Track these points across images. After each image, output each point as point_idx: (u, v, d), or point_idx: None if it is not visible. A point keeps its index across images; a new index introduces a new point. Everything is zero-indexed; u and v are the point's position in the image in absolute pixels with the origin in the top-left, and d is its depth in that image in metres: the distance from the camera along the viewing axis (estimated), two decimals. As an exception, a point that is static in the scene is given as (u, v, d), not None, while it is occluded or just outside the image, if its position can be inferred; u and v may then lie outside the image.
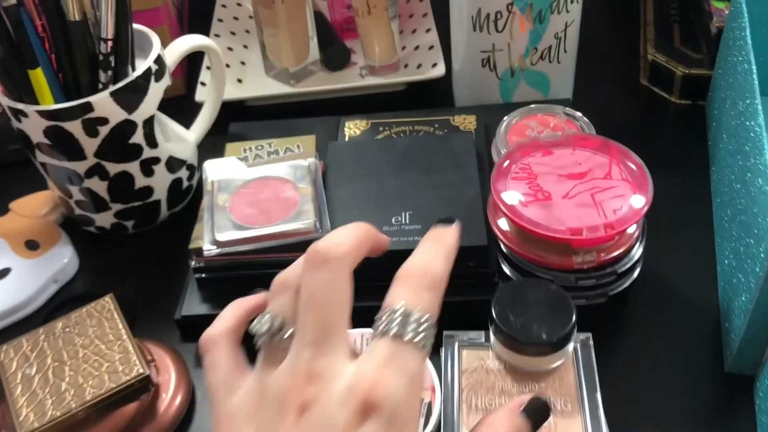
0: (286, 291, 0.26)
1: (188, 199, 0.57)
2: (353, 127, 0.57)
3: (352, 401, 0.22)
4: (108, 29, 0.47)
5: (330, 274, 0.24)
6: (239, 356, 0.27)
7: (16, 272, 0.51)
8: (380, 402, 0.21)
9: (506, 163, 0.45)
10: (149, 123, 0.50)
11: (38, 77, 0.47)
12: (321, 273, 0.24)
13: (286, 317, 0.25)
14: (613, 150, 0.44)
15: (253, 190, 0.47)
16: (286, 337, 0.25)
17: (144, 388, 0.40)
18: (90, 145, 0.48)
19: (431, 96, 0.65)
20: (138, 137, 0.50)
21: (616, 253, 0.41)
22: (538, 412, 0.26)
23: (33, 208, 0.55)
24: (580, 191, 0.42)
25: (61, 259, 0.53)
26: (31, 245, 0.53)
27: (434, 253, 0.25)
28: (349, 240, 0.25)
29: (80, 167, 0.49)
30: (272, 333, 0.25)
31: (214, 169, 0.50)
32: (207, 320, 0.46)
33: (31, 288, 0.51)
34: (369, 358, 0.23)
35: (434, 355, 0.30)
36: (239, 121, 0.60)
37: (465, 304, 0.40)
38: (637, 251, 0.43)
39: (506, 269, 0.44)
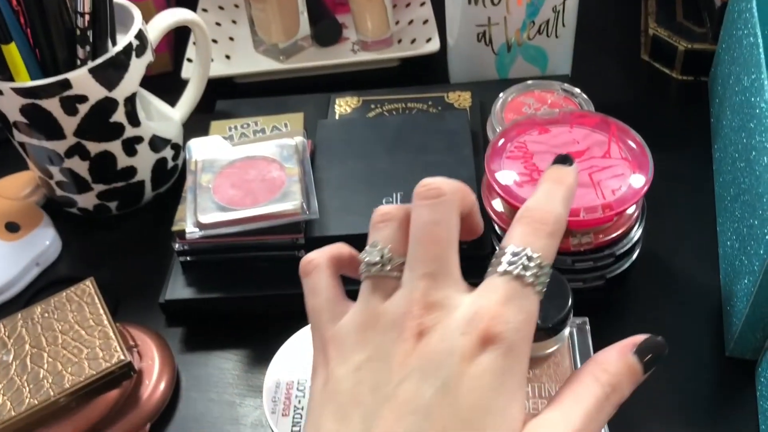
0: (390, 223, 0.26)
1: (174, 179, 0.55)
2: (344, 105, 0.55)
3: (472, 330, 0.22)
4: (84, 2, 0.45)
5: (444, 208, 0.25)
6: (340, 285, 0.27)
7: (-4, 255, 0.50)
8: (501, 334, 0.22)
9: (501, 141, 0.43)
10: (131, 101, 0.49)
11: (12, 53, 0.45)
12: (435, 207, 0.25)
13: (393, 249, 0.25)
14: (613, 128, 0.43)
15: (237, 171, 0.45)
16: (394, 268, 0.25)
17: (125, 374, 0.39)
18: (69, 123, 0.47)
19: (425, 72, 0.63)
20: (119, 115, 0.48)
21: (614, 235, 0.40)
22: (653, 352, 0.25)
23: (13, 189, 0.54)
24: (578, 170, 0.41)
25: (43, 242, 0.51)
26: (12, 227, 0.51)
27: (556, 195, 0.25)
28: (457, 183, 0.25)
29: (60, 147, 0.48)
30: (383, 262, 0.25)
31: (198, 148, 0.48)
32: (192, 304, 0.46)
33: (11, 271, 0.49)
34: (489, 294, 0.23)
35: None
36: (227, 99, 0.58)
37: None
38: (636, 233, 0.42)
39: (500, 251, 0.43)
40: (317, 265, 0.27)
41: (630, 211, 0.41)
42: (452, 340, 0.22)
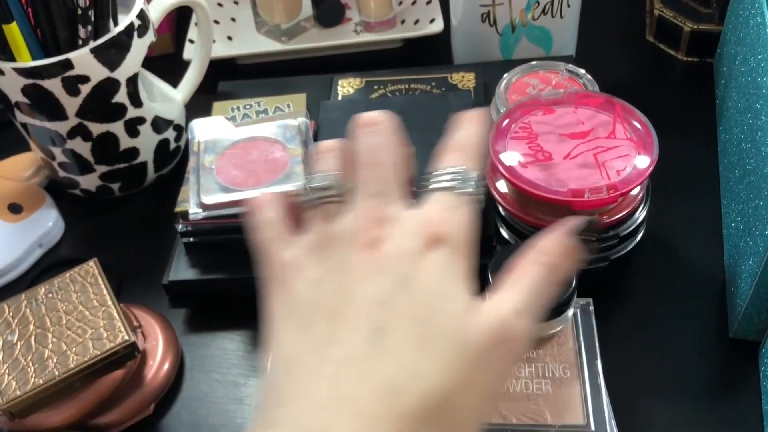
0: (330, 153, 0.28)
1: (176, 160, 0.55)
2: (347, 86, 0.55)
3: (423, 233, 0.25)
4: (85, -19, 0.44)
5: (384, 134, 0.27)
6: (287, 221, 0.28)
7: (-1, 236, 0.50)
8: (448, 234, 0.25)
9: (505, 122, 0.43)
10: (133, 81, 0.48)
11: (14, 32, 0.45)
12: (375, 134, 0.27)
13: (336, 175, 0.27)
14: (618, 108, 0.42)
15: (240, 151, 0.45)
16: (339, 193, 0.27)
17: (129, 354, 0.39)
18: (71, 104, 0.46)
19: (429, 53, 0.63)
20: (121, 96, 0.48)
21: (618, 216, 0.40)
22: (586, 230, 0.27)
23: (16, 170, 0.54)
24: (582, 151, 0.41)
25: (46, 223, 0.51)
26: (15, 209, 0.51)
27: (476, 130, 0.29)
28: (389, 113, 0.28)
29: (62, 128, 0.48)
30: (328, 187, 0.27)
31: (201, 129, 0.48)
32: (195, 285, 0.46)
33: (14, 253, 0.49)
34: (434, 205, 0.26)
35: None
36: (229, 80, 0.58)
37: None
38: (641, 214, 0.41)
39: (504, 233, 0.42)
40: (265, 202, 0.28)
41: (635, 192, 0.41)
42: (404, 244, 0.25)
